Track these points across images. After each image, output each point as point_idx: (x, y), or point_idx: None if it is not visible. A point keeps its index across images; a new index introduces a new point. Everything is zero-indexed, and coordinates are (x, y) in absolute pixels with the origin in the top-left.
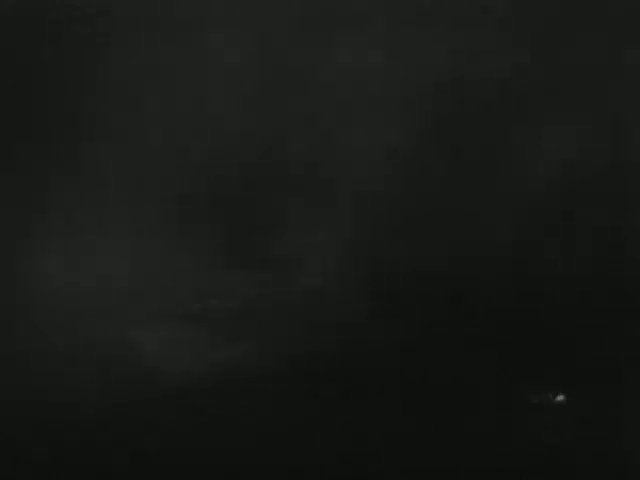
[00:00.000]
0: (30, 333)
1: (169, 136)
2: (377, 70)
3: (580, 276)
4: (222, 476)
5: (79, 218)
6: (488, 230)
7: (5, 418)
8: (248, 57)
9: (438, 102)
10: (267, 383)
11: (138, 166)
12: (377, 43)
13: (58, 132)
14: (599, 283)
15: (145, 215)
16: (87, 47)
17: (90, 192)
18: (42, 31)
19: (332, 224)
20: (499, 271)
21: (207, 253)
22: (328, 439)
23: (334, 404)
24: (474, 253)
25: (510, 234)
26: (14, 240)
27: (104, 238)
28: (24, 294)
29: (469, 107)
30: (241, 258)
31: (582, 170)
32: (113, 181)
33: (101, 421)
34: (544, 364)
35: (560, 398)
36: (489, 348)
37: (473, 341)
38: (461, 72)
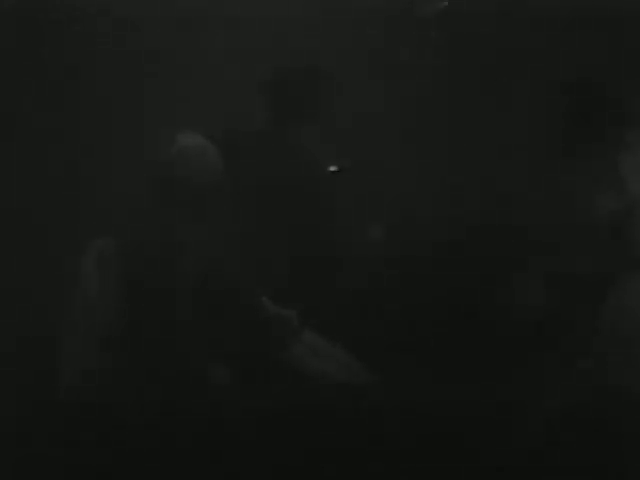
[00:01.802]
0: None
1: (171, 137)
2: None
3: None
4: (222, 476)
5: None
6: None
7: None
8: (250, 57)
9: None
10: (268, 383)
11: (138, 167)
12: None
13: (58, 133)
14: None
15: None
16: (87, 47)
17: (89, 196)
18: (42, 31)
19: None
20: (498, 271)
21: None
22: (328, 438)
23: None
24: (473, 253)
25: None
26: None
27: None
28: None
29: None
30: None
31: None
32: (113, 183)
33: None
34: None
35: None
36: (488, 346)
37: (472, 340)
38: None
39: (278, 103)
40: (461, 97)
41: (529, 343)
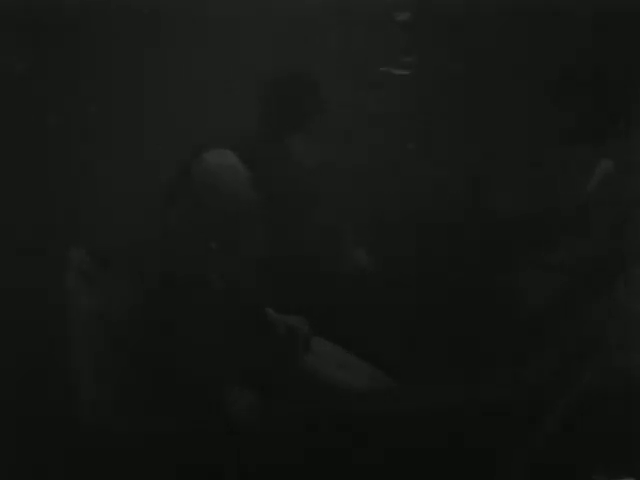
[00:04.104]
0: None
1: (172, 137)
2: None
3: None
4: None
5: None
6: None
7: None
8: (252, 57)
9: None
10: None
11: (139, 169)
12: None
13: (59, 133)
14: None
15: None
16: (87, 47)
17: (87, 199)
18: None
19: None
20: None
21: None
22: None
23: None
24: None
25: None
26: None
27: None
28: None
29: None
30: None
31: None
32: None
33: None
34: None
35: None
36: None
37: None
38: None
39: (268, 113)
40: (458, 89)
41: (534, 337)
